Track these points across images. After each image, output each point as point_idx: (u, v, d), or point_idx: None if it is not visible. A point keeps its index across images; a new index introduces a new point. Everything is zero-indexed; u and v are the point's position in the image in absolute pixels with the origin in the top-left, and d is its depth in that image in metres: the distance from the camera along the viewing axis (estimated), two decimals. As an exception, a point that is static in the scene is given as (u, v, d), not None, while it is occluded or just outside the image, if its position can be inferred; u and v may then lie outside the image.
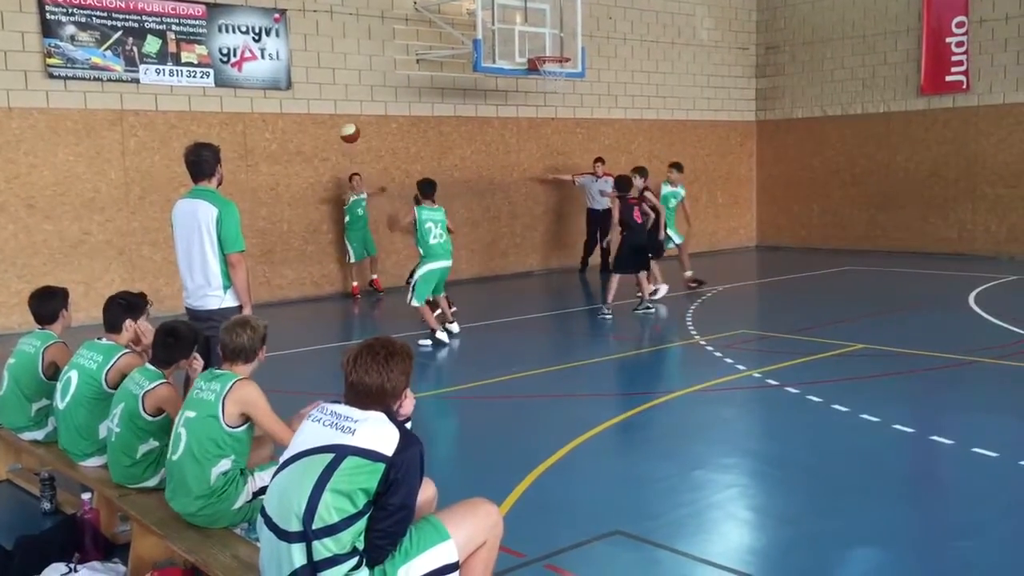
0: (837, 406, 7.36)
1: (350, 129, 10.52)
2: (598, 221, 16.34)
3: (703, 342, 10.17)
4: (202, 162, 6.07)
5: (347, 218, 14.35)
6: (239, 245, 6.04)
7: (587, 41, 16.32)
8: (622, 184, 12.31)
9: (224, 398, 4.23)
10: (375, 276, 14.83)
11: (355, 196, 14.29)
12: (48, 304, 5.92)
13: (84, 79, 12.26)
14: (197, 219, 6.01)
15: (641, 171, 12.81)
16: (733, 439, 6.90)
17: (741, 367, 8.93)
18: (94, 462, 5.18)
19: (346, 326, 13.01)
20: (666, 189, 14.05)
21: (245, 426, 4.31)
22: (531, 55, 14.96)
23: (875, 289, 14.48)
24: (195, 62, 13.16)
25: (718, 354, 9.53)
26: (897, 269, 16.32)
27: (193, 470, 4.21)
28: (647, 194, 12.60)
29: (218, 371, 4.42)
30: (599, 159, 16.74)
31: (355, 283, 14.61)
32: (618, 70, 18.39)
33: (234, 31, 13.50)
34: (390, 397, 3.33)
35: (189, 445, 4.23)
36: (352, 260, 14.50)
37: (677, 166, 14.31)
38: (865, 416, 7.05)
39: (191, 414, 4.28)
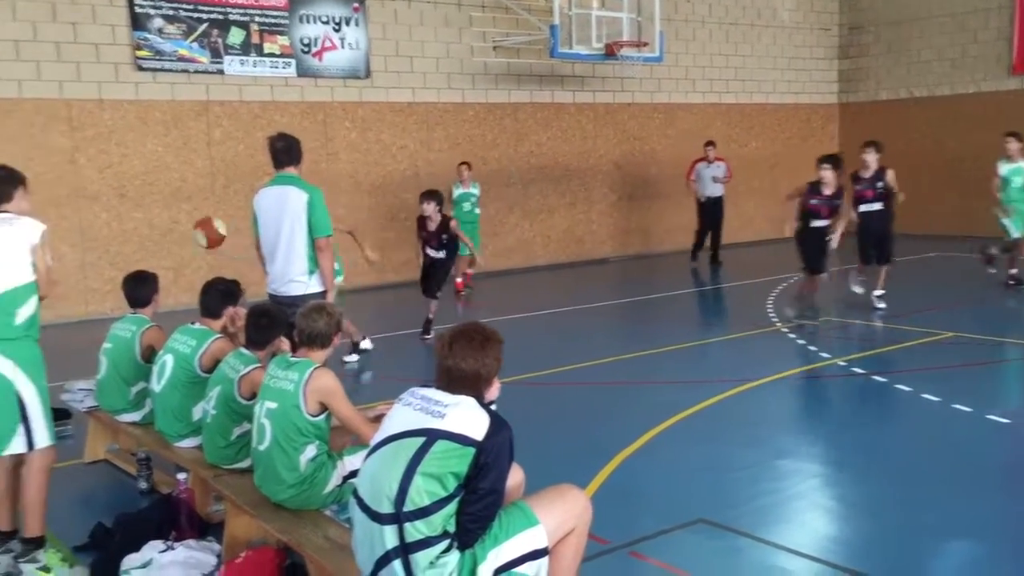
0: (927, 395, 7.18)
1: (202, 240, 7.56)
2: (711, 210, 15.43)
3: (785, 329, 10.01)
4: (290, 149, 6.17)
5: (453, 211, 12.94)
6: (328, 229, 6.12)
7: (665, 24, 16.14)
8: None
9: (304, 387, 4.28)
10: (467, 271, 13.42)
11: (462, 189, 13.35)
12: (142, 288, 6.09)
13: (171, 71, 12.59)
14: (287, 205, 6.09)
15: (836, 160, 9.95)
16: (817, 428, 6.79)
17: (825, 355, 8.76)
18: (189, 443, 5.34)
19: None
20: (1005, 168, 12.01)
21: (325, 414, 4.37)
22: (608, 40, 14.87)
23: (965, 276, 14.03)
24: (277, 52, 13.41)
25: (801, 342, 9.36)
26: (987, 255, 15.78)
27: (281, 459, 4.28)
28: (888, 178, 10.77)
29: (292, 359, 4.46)
30: (710, 143, 15.59)
31: (458, 279, 13.19)
32: (696, 53, 18.14)
33: (315, 21, 13.70)
34: (484, 382, 3.36)
35: (275, 436, 4.30)
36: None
37: (1016, 136, 11.91)
38: (957, 406, 6.86)
39: (272, 405, 4.33)
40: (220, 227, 6.98)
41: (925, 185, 19.11)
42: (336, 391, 4.33)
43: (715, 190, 15.28)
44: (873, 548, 4.68)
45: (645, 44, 15.25)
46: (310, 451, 4.33)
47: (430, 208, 9.86)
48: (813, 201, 9.81)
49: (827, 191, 9.74)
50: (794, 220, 10.10)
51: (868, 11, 19.84)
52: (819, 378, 8.08)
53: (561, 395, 8.00)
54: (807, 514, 5.15)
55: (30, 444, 4.52)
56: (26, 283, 4.48)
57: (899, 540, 4.73)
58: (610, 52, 14.86)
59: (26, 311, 4.48)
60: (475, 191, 13.60)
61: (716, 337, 10.25)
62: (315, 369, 4.33)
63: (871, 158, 10.82)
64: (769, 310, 11.23)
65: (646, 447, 6.26)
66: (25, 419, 4.49)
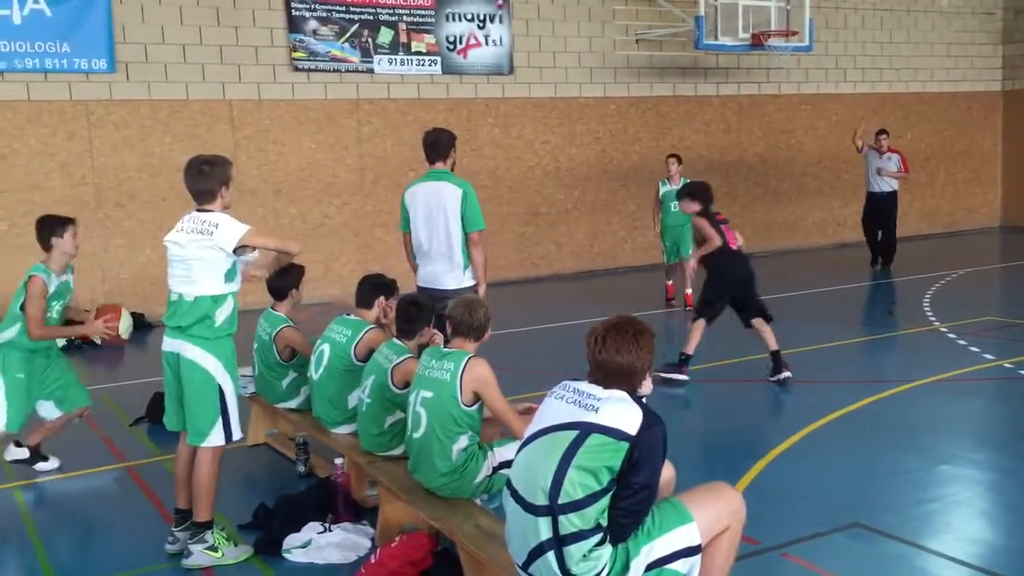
0: (1104, 402, 6.72)
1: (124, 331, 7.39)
2: (877, 207, 14.05)
3: (944, 329, 9.54)
4: (441, 143, 6.27)
5: (660, 210, 11.88)
6: (481, 224, 6.19)
7: (814, 12, 15.61)
8: None
9: (460, 376, 4.36)
10: (686, 289, 11.42)
11: (669, 186, 11.74)
12: (281, 280, 6.21)
13: (325, 71, 13.05)
14: (441, 199, 6.17)
15: None
16: (983, 433, 6.44)
17: (989, 356, 8.31)
18: (345, 429, 5.54)
19: (563, 309, 13.17)
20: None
21: (477, 404, 4.44)
22: (755, 30, 14.50)
23: None
24: (424, 51, 13.70)
25: (962, 342, 8.91)
26: None
27: (437, 448, 4.38)
28: None
29: (446, 349, 4.56)
30: (882, 131, 14.17)
31: (669, 281, 12.04)
32: (848, 41, 17.47)
33: (460, 19, 13.93)
34: (638, 376, 3.35)
35: (431, 424, 4.40)
36: (665, 261, 12.06)
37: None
38: None
39: (428, 394, 4.43)
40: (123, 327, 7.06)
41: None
42: (491, 381, 4.40)
43: (883, 184, 13.92)
44: (1045, 561, 4.42)
45: (794, 33, 14.80)
46: (463, 441, 4.41)
47: None
48: None
49: None
50: None
51: (1037, -8, 18.64)
52: (982, 380, 7.67)
53: (710, 392, 7.87)
54: (971, 523, 4.91)
55: (228, 437, 4.77)
56: (220, 294, 4.65)
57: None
58: (757, 42, 14.49)
59: (224, 311, 4.68)
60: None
61: (872, 336, 9.87)
62: (471, 359, 4.42)
63: None
64: (927, 308, 10.73)
65: (797, 446, 6.10)
66: (224, 413, 4.73)
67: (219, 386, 4.68)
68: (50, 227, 5.89)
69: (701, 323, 8.04)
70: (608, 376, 3.33)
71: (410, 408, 4.55)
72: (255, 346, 6.34)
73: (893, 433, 6.39)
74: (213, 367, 4.65)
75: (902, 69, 18.18)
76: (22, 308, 5.76)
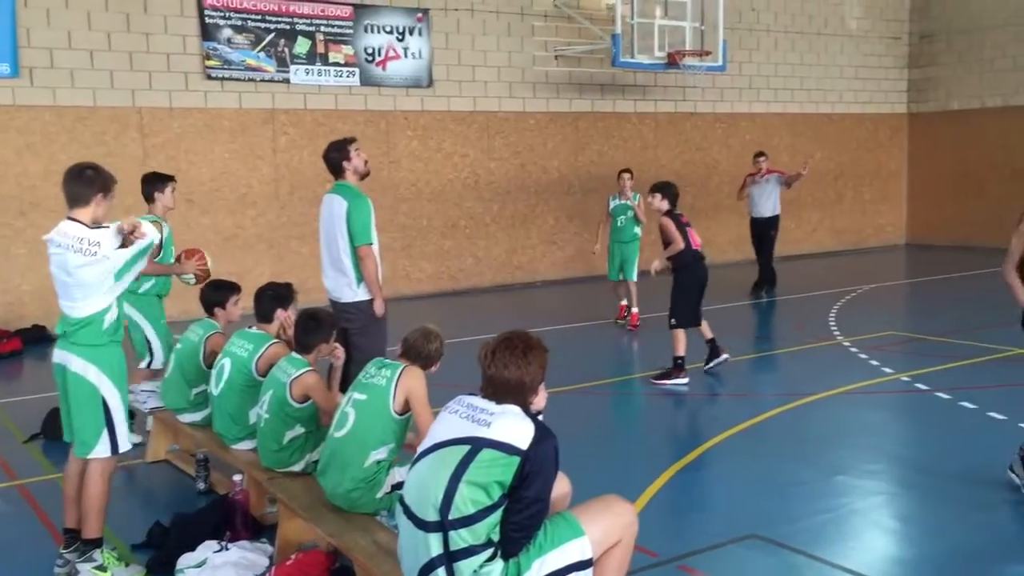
0: (993, 414, 6.98)
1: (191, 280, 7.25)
2: (756, 233, 13.54)
3: (847, 343, 9.82)
4: (330, 157, 6.37)
5: (609, 226, 11.65)
6: (367, 238, 6.17)
7: (728, 34, 15.98)
8: None
9: (396, 383, 4.37)
10: (631, 308, 11.30)
11: (619, 201, 11.50)
12: (213, 295, 6.28)
13: (239, 80, 12.86)
14: (332, 213, 6.26)
15: None
16: (879, 445, 6.63)
17: (888, 370, 8.57)
18: (245, 446, 5.44)
19: (481, 322, 13.18)
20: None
21: (406, 416, 4.43)
22: (671, 49, 14.77)
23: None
24: (342, 62, 13.60)
25: (863, 356, 9.18)
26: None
27: (354, 451, 4.34)
28: None
29: (389, 360, 4.56)
30: (760, 153, 13.81)
31: (622, 301, 11.53)
32: (760, 63, 17.93)
33: (379, 31, 13.88)
34: (528, 391, 3.36)
35: (356, 426, 4.37)
36: (609, 278, 11.76)
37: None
38: (1024, 425, 6.66)
39: (361, 397, 4.42)
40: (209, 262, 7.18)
41: (996, 196, 18.61)
42: (421, 393, 4.40)
43: (764, 210, 13.32)
44: (934, 571, 4.56)
45: (708, 53, 15.12)
46: (382, 452, 4.39)
47: None
48: None
49: None
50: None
51: (939, 19, 19.40)
52: (881, 393, 7.90)
53: (613, 405, 7.95)
54: (865, 533, 5.04)
55: (115, 448, 4.62)
56: (106, 306, 4.51)
57: (961, 564, 4.60)
58: (672, 61, 14.76)
59: (110, 317, 4.54)
60: (632, 203, 11.37)
61: (775, 350, 10.10)
62: (408, 367, 4.44)
63: None
64: (831, 322, 11.03)
65: (699, 460, 6.20)
66: (110, 424, 4.58)
67: (103, 397, 4.53)
68: (152, 183, 6.98)
69: (680, 333, 8.32)
70: (498, 391, 3.33)
71: (340, 408, 4.52)
72: (176, 347, 6.24)
73: (792, 445, 6.55)
74: (96, 377, 4.50)
75: (813, 90, 18.72)
76: None
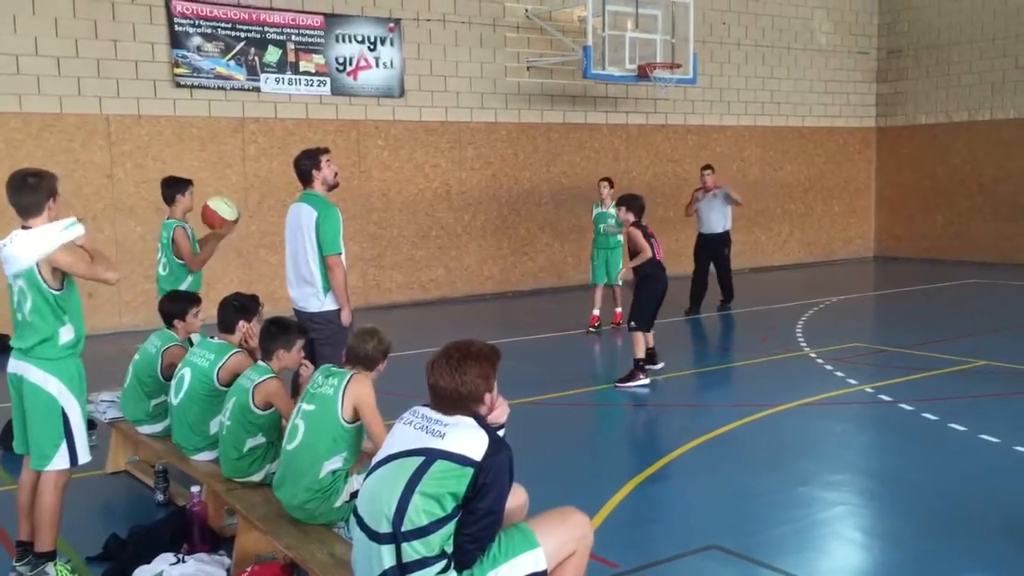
0: (954, 425, 7.05)
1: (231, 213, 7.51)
2: (706, 249, 12.99)
3: (813, 354, 9.89)
4: (299, 166, 6.37)
5: (593, 232, 11.96)
6: (336, 248, 6.17)
7: (699, 47, 16.11)
8: None
9: (343, 391, 4.33)
10: (616, 308, 11.81)
11: (600, 209, 11.83)
12: (171, 306, 6.20)
13: (209, 88, 12.79)
14: (300, 222, 6.24)
15: None
16: (842, 456, 6.67)
17: (853, 381, 8.64)
18: (205, 456, 5.38)
19: (448, 331, 13.15)
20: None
21: (356, 425, 4.39)
22: (642, 61, 14.86)
23: (1001, 304, 13.80)
24: (313, 71, 13.56)
25: (828, 367, 9.24)
26: (1026, 283, 15.52)
27: (307, 462, 4.31)
28: None
29: (336, 368, 4.52)
30: (707, 166, 13.36)
31: (595, 311, 11.66)
32: (731, 76, 18.08)
33: (350, 40, 13.86)
34: (469, 401, 3.31)
35: (307, 436, 4.34)
36: (592, 282, 11.91)
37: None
38: (984, 436, 6.72)
39: (310, 407, 4.38)
40: (226, 212, 7.38)
41: (962, 210, 18.87)
42: (369, 400, 4.35)
43: (715, 225, 12.88)
44: (889, 580, 4.59)
45: (679, 66, 15.22)
46: (336, 462, 4.36)
47: None
48: None
49: None
50: None
51: (907, 35, 19.67)
52: (845, 405, 7.96)
53: (579, 417, 7.95)
54: (828, 544, 5.06)
55: (73, 460, 4.55)
56: (61, 318, 4.44)
57: (918, 573, 4.63)
58: (643, 74, 14.84)
59: (67, 331, 4.46)
60: (613, 211, 10.96)
61: (741, 362, 10.14)
62: (355, 375, 4.39)
63: None
64: (799, 334, 11.10)
65: (663, 471, 6.20)
66: (69, 436, 4.52)
67: (62, 408, 4.47)
68: (173, 186, 7.41)
69: (640, 335, 8.68)
70: (439, 401, 3.32)
71: (290, 420, 4.48)
72: (135, 358, 6.15)
73: (756, 456, 6.57)
74: (56, 389, 4.44)
75: (783, 104, 18.90)
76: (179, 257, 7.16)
